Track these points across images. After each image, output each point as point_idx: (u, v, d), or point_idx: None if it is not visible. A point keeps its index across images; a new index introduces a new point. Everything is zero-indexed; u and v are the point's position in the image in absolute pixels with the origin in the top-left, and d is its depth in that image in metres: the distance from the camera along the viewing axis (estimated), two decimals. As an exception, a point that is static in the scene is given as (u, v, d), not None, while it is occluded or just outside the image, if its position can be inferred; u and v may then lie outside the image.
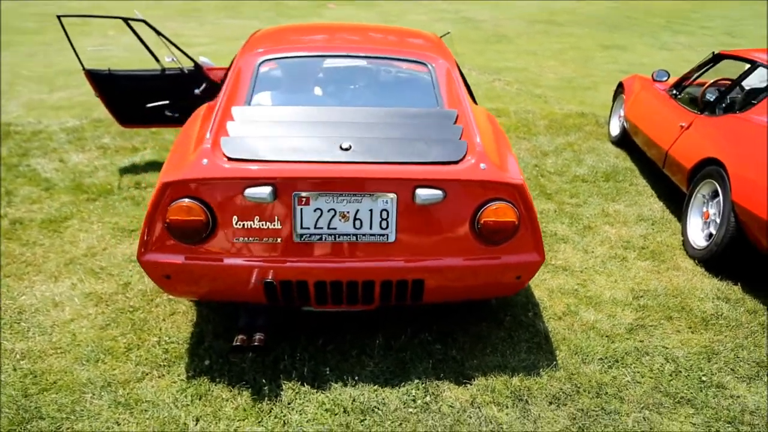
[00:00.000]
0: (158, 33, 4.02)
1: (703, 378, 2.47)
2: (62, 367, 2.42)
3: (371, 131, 2.24)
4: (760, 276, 3.20)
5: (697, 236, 3.51)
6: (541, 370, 2.45)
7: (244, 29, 11.33)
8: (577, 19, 13.67)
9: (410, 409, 2.22)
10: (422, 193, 2.09)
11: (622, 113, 5.35)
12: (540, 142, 5.46)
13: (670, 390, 2.39)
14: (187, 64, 4.27)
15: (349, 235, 2.14)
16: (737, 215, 3.07)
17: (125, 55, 8.13)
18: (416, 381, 2.36)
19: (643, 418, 2.23)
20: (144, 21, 3.87)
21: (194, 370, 2.40)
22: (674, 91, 4.48)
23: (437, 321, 2.72)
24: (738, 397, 2.37)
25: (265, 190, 2.02)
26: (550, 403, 2.29)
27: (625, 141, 5.30)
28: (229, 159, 2.09)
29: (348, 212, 2.11)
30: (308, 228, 2.12)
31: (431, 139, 2.23)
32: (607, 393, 2.35)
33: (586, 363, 2.52)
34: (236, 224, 2.11)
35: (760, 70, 3.73)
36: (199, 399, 2.26)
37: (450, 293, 2.36)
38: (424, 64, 2.81)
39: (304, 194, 2.07)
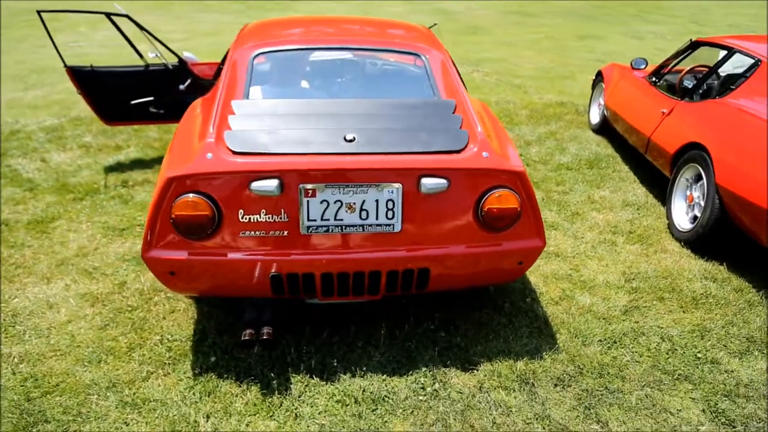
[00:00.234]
0: (141, 28, 3.94)
1: (698, 355, 2.56)
2: (63, 369, 2.38)
3: (373, 122, 2.25)
4: (744, 256, 3.32)
5: (682, 219, 3.62)
6: (543, 353, 2.51)
7: (218, 24, 11.19)
8: (550, 9, 13.84)
9: (420, 397, 2.25)
10: (427, 182, 2.11)
11: (601, 101, 5.45)
12: (523, 131, 5.54)
13: (668, 367, 2.47)
14: (171, 60, 4.20)
15: (356, 225, 2.15)
16: (721, 197, 3.17)
17: (100, 51, 7.95)
18: (423, 369, 2.39)
19: (645, 395, 2.30)
20: (127, 16, 3.80)
21: (200, 367, 2.38)
22: (654, 79, 4.58)
23: (439, 309, 2.76)
24: (732, 371, 2.46)
25: (272, 183, 2.01)
26: (556, 385, 2.34)
27: (605, 129, 5.40)
28: (234, 153, 2.07)
29: (354, 203, 2.12)
30: (315, 220, 2.12)
31: (433, 129, 2.25)
32: (609, 373, 2.42)
33: (586, 345, 2.59)
34: (242, 218, 2.09)
35: (737, 56, 3.84)
36: (208, 396, 2.25)
37: (454, 281, 2.39)
38: (418, 55, 2.83)
39: (310, 186, 2.07)
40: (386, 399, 2.24)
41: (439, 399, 2.25)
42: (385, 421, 2.14)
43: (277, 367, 2.38)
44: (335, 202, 2.10)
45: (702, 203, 3.38)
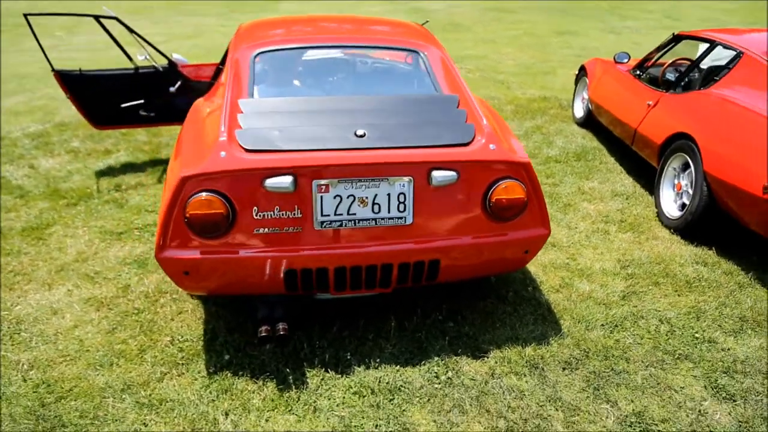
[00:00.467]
0: (131, 30, 3.91)
1: (696, 335, 2.66)
2: (75, 373, 2.37)
3: (381, 118, 2.29)
4: (731, 240, 3.44)
5: (671, 207, 3.73)
6: (550, 339, 2.58)
7: (198, 27, 11.09)
8: (527, 5, 14.04)
9: (435, 385, 2.30)
10: (438, 174, 2.16)
11: (585, 95, 5.58)
12: (510, 126, 5.60)
13: (669, 348, 2.56)
14: (161, 62, 4.18)
15: (368, 219, 2.19)
16: (709, 185, 3.28)
17: (78, 56, 7.82)
18: (435, 358, 2.44)
19: (650, 374, 2.39)
20: (116, 18, 3.76)
21: (214, 366, 2.39)
22: (638, 72, 4.70)
23: (446, 301, 2.81)
24: (728, 349, 2.56)
25: (286, 180, 2.04)
26: (564, 368, 2.41)
27: (589, 122, 5.53)
28: (247, 150, 2.09)
29: (366, 197, 2.15)
30: (328, 215, 2.15)
31: (439, 123, 2.30)
32: (613, 355, 2.50)
33: (590, 329, 2.67)
34: (256, 215, 2.11)
35: (718, 49, 3.98)
36: (225, 393, 2.26)
37: (463, 271, 2.44)
38: (417, 52, 2.87)
39: (324, 182, 2.10)
40: (402, 389, 2.28)
41: (454, 386, 2.30)
42: (404, 410, 2.18)
43: (292, 363, 2.40)
44: (348, 197, 2.14)
45: (690, 191, 3.49)
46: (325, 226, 2.17)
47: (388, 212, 2.19)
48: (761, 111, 3.15)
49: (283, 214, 2.13)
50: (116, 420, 2.15)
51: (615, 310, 2.83)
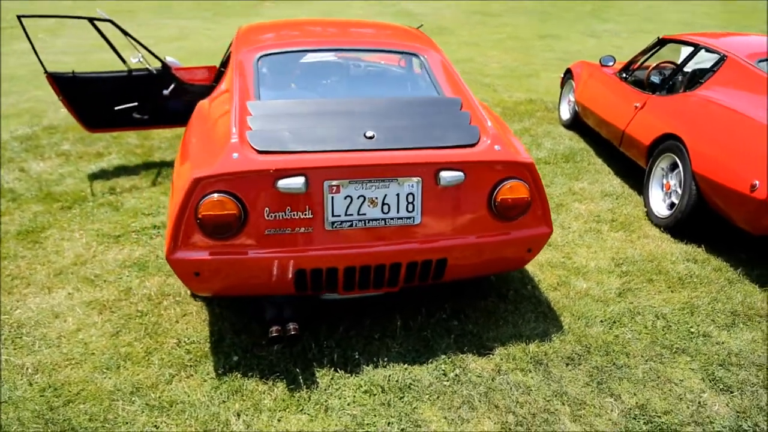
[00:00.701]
0: (125, 33, 3.89)
1: (691, 329, 2.74)
2: (82, 377, 2.35)
3: (388, 120, 2.33)
4: (719, 237, 3.56)
5: (660, 206, 3.84)
6: (552, 335, 2.64)
7: (183, 30, 11.00)
8: (510, 8, 14.22)
9: (444, 383, 2.34)
10: (446, 175, 2.20)
11: (571, 98, 5.69)
12: (500, 128, 5.70)
13: (666, 342, 2.64)
14: (154, 65, 4.16)
15: (378, 219, 2.22)
16: (698, 184, 3.39)
17: (63, 59, 7.70)
18: (442, 357, 2.48)
19: (650, 368, 2.46)
20: (110, 21, 3.74)
21: (223, 367, 2.40)
22: (624, 75, 4.82)
23: (449, 299, 2.85)
24: (722, 343, 2.65)
25: (299, 181, 2.06)
26: (567, 364, 2.48)
27: (576, 124, 5.64)
28: (259, 152, 2.11)
29: (376, 198, 2.19)
30: (339, 215, 2.18)
31: (445, 125, 2.35)
32: (614, 350, 2.57)
33: (590, 326, 2.73)
34: (268, 216, 2.13)
35: (702, 52, 4.11)
36: (235, 394, 2.27)
37: (468, 270, 2.49)
38: (417, 55, 2.92)
39: (335, 183, 2.13)
40: (411, 386, 2.31)
41: (462, 383, 2.34)
42: (414, 407, 2.22)
43: (301, 363, 2.42)
44: (358, 198, 2.17)
45: (679, 190, 3.60)
46: (335, 227, 2.20)
47: (398, 212, 2.23)
48: (747, 112, 3.26)
49: (294, 215, 2.15)
50: (127, 423, 2.14)
51: (612, 306, 2.90)
